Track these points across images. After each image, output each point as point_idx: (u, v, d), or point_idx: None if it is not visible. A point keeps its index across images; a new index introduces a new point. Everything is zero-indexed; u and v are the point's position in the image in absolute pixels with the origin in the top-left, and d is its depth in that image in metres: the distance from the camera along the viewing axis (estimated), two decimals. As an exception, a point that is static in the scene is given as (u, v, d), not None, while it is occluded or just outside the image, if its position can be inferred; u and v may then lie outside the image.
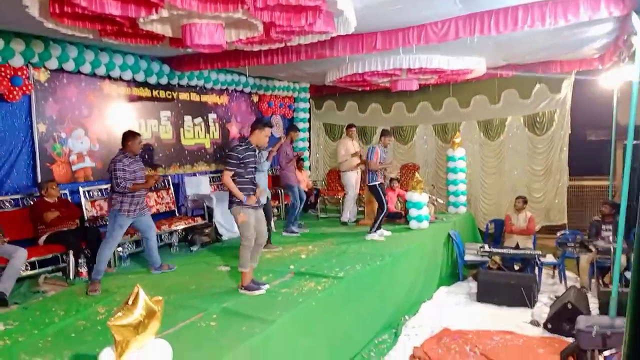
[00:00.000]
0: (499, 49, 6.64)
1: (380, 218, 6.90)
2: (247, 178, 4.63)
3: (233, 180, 4.56)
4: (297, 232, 7.35)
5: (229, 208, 4.67)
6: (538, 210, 8.70)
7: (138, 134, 5.21)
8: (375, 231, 6.84)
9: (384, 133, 7.21)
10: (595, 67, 7.52)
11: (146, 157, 7.25)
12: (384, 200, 6.94)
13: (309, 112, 10.84)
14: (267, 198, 6.37)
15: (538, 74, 8.04)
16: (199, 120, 8.29)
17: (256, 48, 4.91)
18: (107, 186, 6.61)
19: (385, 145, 7.12)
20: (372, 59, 6.68)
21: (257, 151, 4.73)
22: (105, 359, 2.28)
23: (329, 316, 4.52)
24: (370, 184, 6.98)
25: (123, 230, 5.11)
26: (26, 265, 5.08)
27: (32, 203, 5.61)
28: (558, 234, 7.67)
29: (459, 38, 5.07)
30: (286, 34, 4.34)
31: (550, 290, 6.68)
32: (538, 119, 8.77)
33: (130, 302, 2.27)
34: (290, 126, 8.28)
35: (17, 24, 4.97)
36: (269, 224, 6.45)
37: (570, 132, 8.57)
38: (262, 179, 6.05)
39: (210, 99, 8.51)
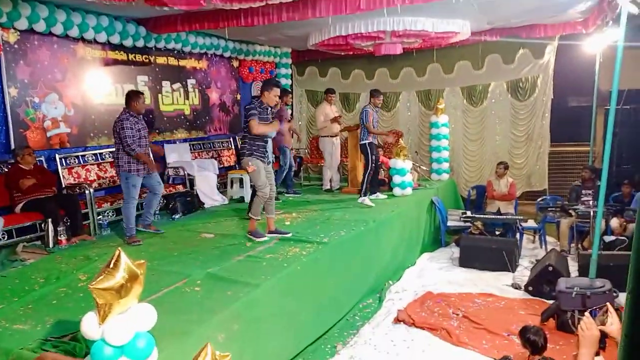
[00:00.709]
0: (483, 11, 6.54)
1: (366, 178, 6.88)
2: (263, 137, 4.95)
3: (247, 137, 4.94)
4: (279, 199, 7.29)
5: (239, 162, 4.98)
6: (519, 177, 8.78)
7: (142, 93, 5.32)
8: (365, 194, 6.85)
9: (373, 93, 7.12)
10: (579, 31, 7.49)
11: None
12: (370, 160, 6.91)
13: (291, 79, 10.64)
14: (271, 162, 6.29)
15: (522, 38, 7.98)
16: (177, 85, 8.07)
17: (236, 6, 4.72)
18: (85, 153, 6.47)
19: (376, 105, 7.09)
20: (356, 21, 6.53)
21: (270, 111, 4.99)
22: (88, 323, 2.22)
23: (314, 281, 4.51)
24: (361, 142, 7.03)
25: (138, 189, 5.24)
26: (3, 234, 4.95)
27: (6, 170, 5.43)
28: (539, 199, 7.78)
29: (444, -2, 4.96)
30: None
31: (531, 254, 6.79)
32: (521, 85, 8.75)
33: (111, 265, 2.20)
34: (282, 90, 8.12)
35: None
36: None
37: (552, 98, 8.59)
38: (269, 144, 6.00)
39: (188, 63, 8.27)
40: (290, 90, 8.05)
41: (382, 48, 7.29)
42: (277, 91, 4.97)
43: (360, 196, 6.87)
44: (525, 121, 8.84)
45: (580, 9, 6.67)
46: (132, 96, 5.21)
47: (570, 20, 7.39)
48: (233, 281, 3.89)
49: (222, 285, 3.82)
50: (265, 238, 4.98)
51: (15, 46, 5.71)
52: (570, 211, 6.62)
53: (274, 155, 6.75)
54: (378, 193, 7.25)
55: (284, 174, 7.61)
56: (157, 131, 7.67)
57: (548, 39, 8.14)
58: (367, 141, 6.94)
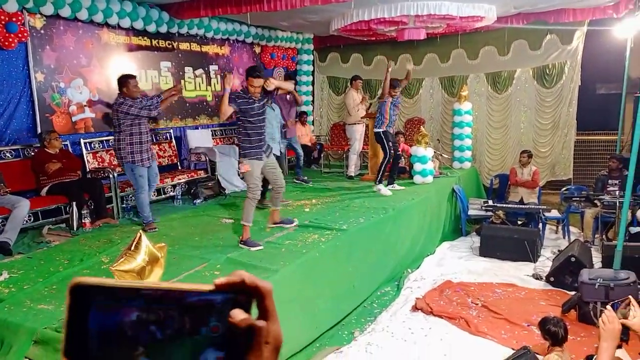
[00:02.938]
0: (510, -5, 6.39)
1: (384, 166, 6.67)
2: (253, 130, 4.48)
3: (240, 134, 4.57)
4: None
5: (238, 160, 4.70)
6: (544, 165, 8.62)
7: (133, 76, 5.05)
8: (380, 182, 6.64)
9: (390, 85, 6.97)
10: (610, 15, 7.24)
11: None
12: (387, 148, 6.67)
13: (313, 65, 10.58)
14: (280, 151, 6.22)
15: (549, 23, 7.76)
16: (200, 71, 8.10)
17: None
18: (109, 138, 6.56)
19: (392, 96, 6.82)
20: (379, 5, 6.43)
21: (258, 101, 4.48)
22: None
23: (332, 267, 4.53)
24: (375, 130, 6.80)
25: (146, 178, 5.11)
26: (29, 216, 5.07)
27: (33, 154, 5.55)
28: (563, 189, 7.63)
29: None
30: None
31: (553, 245, 6.67)
32: (547, 71, 8.55)
33: (132, 247, 2.24)
34: (286, 76, 8.02)
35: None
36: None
37: (580, 85, 8.37)
38: (275, 131, 5.95)
39: (211, 49, 8.29)
40: (289, 75, 7.76)
41: (406, 33, 7.17)
42: (252, 81, 4.36)
43: (375, 184, 6.67)
44: (551, 109, 8.64)
45: (611, -7, 6.45)
46: (122, 81, 4.95)
47: (601, 4, 7.15)
48: (252, 266, 3.93)
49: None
50: (261, 247, 4.43)
51: (42, 31, 5.79)
52: (595, 201, 6.48)
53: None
54: (395, 184, 6.98)
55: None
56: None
57: (577, 24, 7.90)
58: (380, 130, 6.71)
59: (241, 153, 4.60)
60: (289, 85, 4.84)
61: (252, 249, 4.43)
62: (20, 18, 5.40)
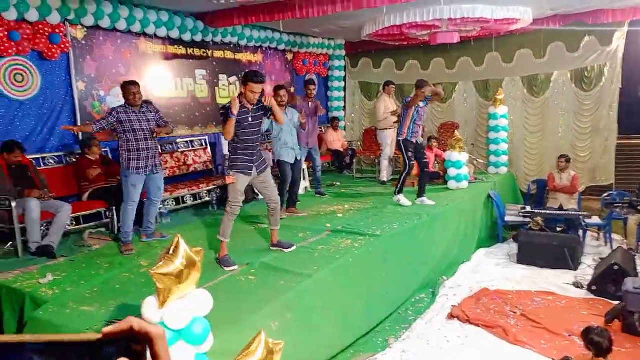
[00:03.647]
0: (547, -3, 6.25)
1: (402, 178, 6.33)
2: (243, 142, 4.19)
3: (230, 145, 4.36)
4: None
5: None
6: (583, 171, 8.35)
7: (131, 83, 4.74)
8: (400, 191, 6.32)
9: (417, 85, 6.31)
10: (652, 15, 7.01)
11: (182, 116, 7.31)
12: (406, 158, 6.27)
13: (344, 71, 10.60)
14: (296, 158, 6.05)
15: (588, 24, 7.55)
16: (233, 79, 8.22)
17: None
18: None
19: (418, 96, 6.18)
20: (411, 9, 6.39)
21: (252, 112, 4.20)
22: (149, 306, 2.31)
23: (365, 273, 4.51)
24: (397, 138, 6.40)
25: (137, 190, 4.78)
26: (71, 221, 5.23)
27: (74, 160, 5.73)
28: (604, 194, 7.38)
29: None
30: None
31: (594, 252, 6.46)
32: (586, 74, 8.30)
33: (171, 251, 2.28)
34: (307, 81, 7.70)
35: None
36: (297, 187, 6.18)
37: (620, 87, 8.10)
38: (289, 138, 5.93)
39: (244, 57, 8.40)
40: (311, 80, 7.41)
41: (438, 37, 7.11)
42: (252, 87, 4.03)
43: (395, 194, 6.34)
44: (590, 112, 8.38)
45: (654, -8, 6.24)
46: (122, 87, 4.80)
47: (642, 4, 6.93)
48: (286, 271, 3.95)
49: (275, 275, 3.88)
50: (235, 268, 4.10)
51: (83, 42, 6.00)
52: (638, 207, 6.25)
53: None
54: (424, 197, 6.47)
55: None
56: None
57: (617, 24, 7.67)
58: (401, 138, 6.26)
59: (229, 164, 4.30)
60: (280, 117, 4.47)
61: (226, 269, 4.08)
62: (62, 29, 5.60)
